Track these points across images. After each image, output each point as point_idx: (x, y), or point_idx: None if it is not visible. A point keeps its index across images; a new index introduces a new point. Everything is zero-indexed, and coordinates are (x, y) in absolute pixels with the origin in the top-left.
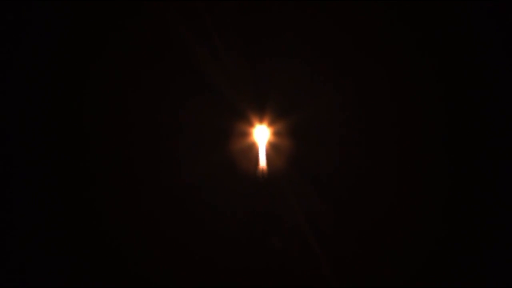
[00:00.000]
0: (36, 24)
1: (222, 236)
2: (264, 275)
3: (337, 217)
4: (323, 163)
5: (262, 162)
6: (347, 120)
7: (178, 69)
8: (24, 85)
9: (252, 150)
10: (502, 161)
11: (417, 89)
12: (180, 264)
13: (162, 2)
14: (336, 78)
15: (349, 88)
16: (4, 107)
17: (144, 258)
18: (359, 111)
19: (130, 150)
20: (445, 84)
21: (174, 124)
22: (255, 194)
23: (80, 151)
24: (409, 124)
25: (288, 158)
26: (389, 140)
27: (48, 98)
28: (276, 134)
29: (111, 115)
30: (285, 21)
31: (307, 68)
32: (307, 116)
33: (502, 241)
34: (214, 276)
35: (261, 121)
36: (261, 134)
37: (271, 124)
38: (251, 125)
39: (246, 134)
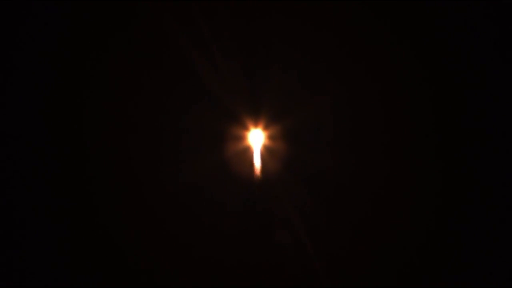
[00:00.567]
0: (35, 30)
1: (217, 238)
2: (259, 273)
3: (331, 219)
4: (317, 166)
5: (257, 166)
6: (341, 123)
7: (174, 74)
8: (24, 89)
9: (247, 154)
10: (494, 161)
11: (408, 91)
12: (178, 263)
13: (160, 11)
14: (329, 83)
15: (342, 92)
16: (7, 110)
17: (142, 257)
18: (352, 115)
19: (126, 152)
20: (436, 85)
21: (169, 127)
22: (250, 197)
23: (80, 153)
24: (401, 125)
25: (283, 161)
26: (382, 142)
27: (50, 104)
28: (270, 137)
29: (109, 117)
30: (279, 27)
31: (301, 73)
32: (302, 120)
33: (496, 240)
34: (210, 274)
35: (256, 125)
36: (256, 138)
37: (266, 128)
38: (246, 128)
39: (241, 138)
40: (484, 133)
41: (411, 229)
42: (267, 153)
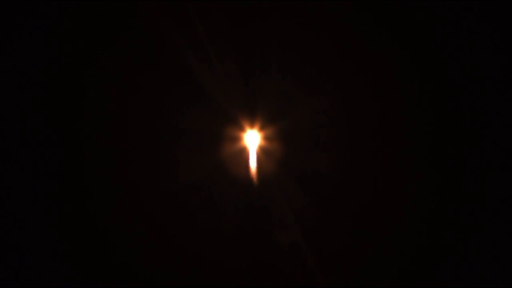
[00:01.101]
0: (32, 33)
1: (213, 238)
2: (255, 272)
3: (327, 219)
4: (312, 166)
5: (253, 166)
6: (336, 124)
7: (170, 75)
8: (22, 90)
9: (243, 154)
10: (490, 161)
11: (403, 93)
12: (174, 262)
13: (158, 13)
14: (324, 84)
15: (337, 93)
16: (5, 110)
17: (140, 257)
18: (347, 116)
19: (123, 153)
20: (431, 86)
21: (165, 128)
22: (246, 197)
23: (78, 154)
24: (395, 126)
25: (279, 162)
26: (376, 142)
27: (48, 105)
28: (266, 138)
29: (106, 118)
30: (275, 30)
31: (297, 74)
32: (297, 121)
33: (492, 239)
34: (206, 274)
35: (252, 126)
36: (252, 139)
37: (261, 128)
38: (242, 129)
39: (237, 139)
40: (480, 134)
41: (406, 229)
42: (263, 153)
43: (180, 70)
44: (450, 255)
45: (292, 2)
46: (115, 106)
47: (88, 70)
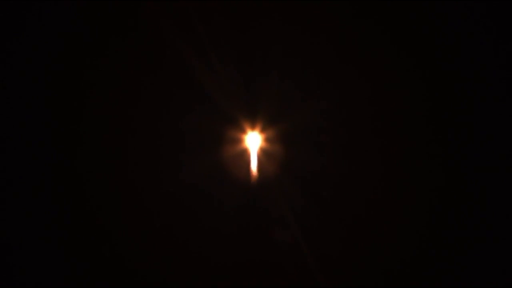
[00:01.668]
0: (36, 35)
1: (214, 239)
2: (255, 272)
3: (327, 220)
4: (313, 168)
5: (254, 168)
6: (336, 126)
7: (173, 78)
8: (25, 94)
9: (244, 156)
10: (485, 162)
11: (401, 95)
12: (176, 262)
13: (160, 18)
14: (324, 86)
15: (337, 96)
16: (9, 112)
17: (141, 256)
18: (347, 118)
19: (125, 155)
20: (429, 88)
21: (167, 130)
22: (247, 199)
23: (81, 155)
24: (394, 128)
25: (279, 163)
26: (376, 144)
27: (51, 108)
28: (267, 140)
29: (109, 120)
30: (276, 33)
31: (297, 77)
32: (298, 123)
33: (490, 240)
34: (207, 273)
35: (253, 127)
36: (253, 140)
37: (262, 130)
38: (243, 131)
39: (238, 140)
40: (478, 135)
41: (404, 229)
42: (264, 155)
43: (183, 73)
44: (449, 254)
45: (291, 7)
46: (119, 108)
47: (93, 74)
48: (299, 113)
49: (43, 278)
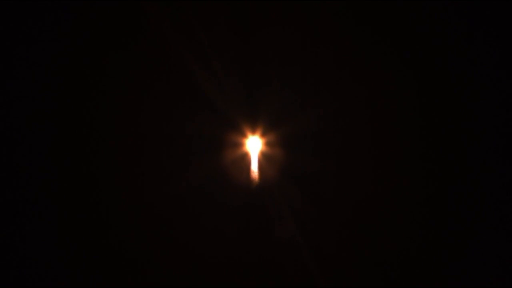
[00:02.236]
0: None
1: (215, 240)
2: (255, 270)
3: (327, 222)
4: (313, 171)
5: (255, 171)
6: (335, 130)
7: (175, 83)
8: (34, 98)
9: (245, 159)
10: (477, 163)
11: (397, 99)
12: (177, 261)
13: (165, 27)
14: (323, 92)
15: (336, 100)
16: (17, 115)
17: (143, 253)
18: (346, 122)
19: (130, 157)
20: (423, 95)
21: (169, 134)
22: (248, 200)
23: (86, 159)
24: (391, 132)
25: (280, 166)
26: (373, 147)
27: (59, 111)
28: (268, 144)
29: (113, 123)
30: (276, 39)
31: (297, 82)
32: (298, 127)
33: (487, 239)
34: (208, 272)
35: (253, 132)
36: (254, 144)
37: (263, 135)
38: (244, 135)
39: (239, 144)
40: (469, 137)
41: (400, 229)
42: (264, 159)
43: (185, 79)
44: (446, 251)
45: (291, 17)
46: (126, 112)
47: (101, 81)
48: (299, 117)
49: (53, 277)
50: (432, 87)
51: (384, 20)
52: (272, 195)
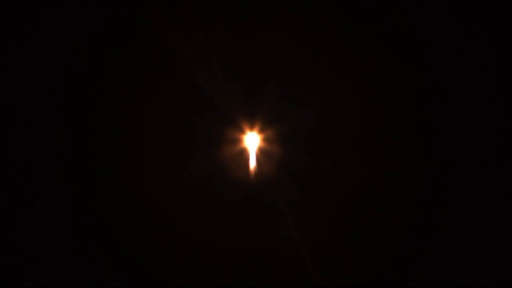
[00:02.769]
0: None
1: (213, 237)
2: (254, 268)
3: (325, 219)
4: (311, 167)
5: (253, 167)
6: (333, 127)
7: (174, 80)
8: (38, 99)
9: (243, 156)
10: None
11: (393, 97)
12: (178, 259)
13: (165, 26)
14: (321, 88)
15: (334, 97)
16: (20, 119)
17: (148, 250)
18: (343, 119)
19: (130, 155)
20: (416, 95)
21: (167, 131)
22: (246, 198)
23: (89, 157)
24: (388, 129)
25: (278, 162)
26: (370, 143)
27: (63, 112)
28: (266, 140)
29: (114, 120)
30: (274, 37)
31: (295, 78)
32: (296, 123)
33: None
34: (208, 271)
35: (251, 128)
36: (252, 140)
37: (261, 131)
38: (242, 131)
39: (237, 140)
40: (462, 137)
41: (398, 226)
42: (262, 155)
43: (183, 75)
44: (443, 250)
45: (288, 18)
46: (124, 109)
47: (101, 79)
48: (297, 113)
49: (59, 276)
50: (430, 86)
51: (381, 19)
52: (270, 191)
